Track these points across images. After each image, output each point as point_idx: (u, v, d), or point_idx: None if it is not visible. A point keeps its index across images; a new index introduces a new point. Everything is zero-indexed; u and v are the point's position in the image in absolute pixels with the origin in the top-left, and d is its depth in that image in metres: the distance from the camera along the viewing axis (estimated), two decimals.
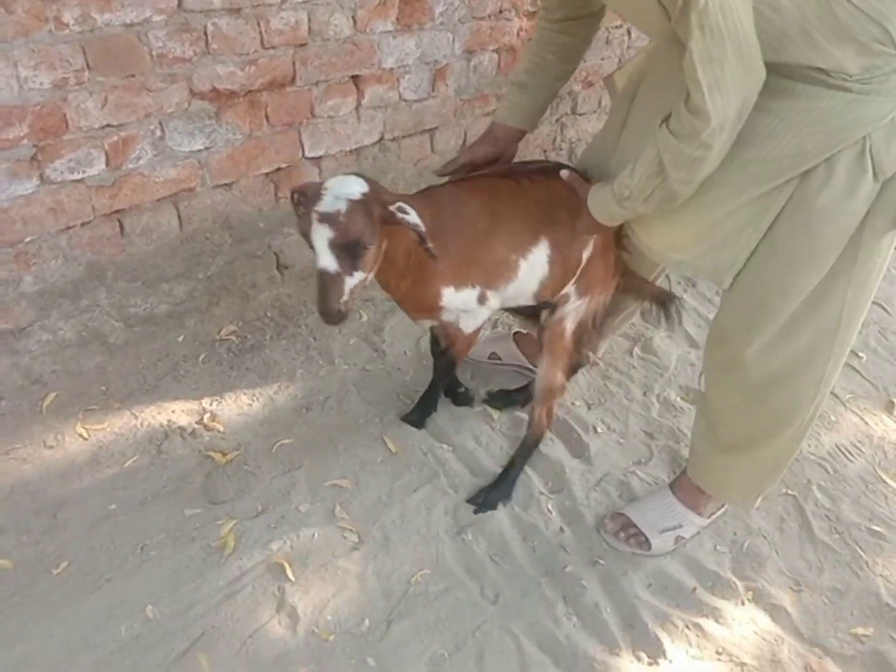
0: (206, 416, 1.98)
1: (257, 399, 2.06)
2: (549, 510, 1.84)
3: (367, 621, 1.57)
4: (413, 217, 1.40)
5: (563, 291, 1.74)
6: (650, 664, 1.56)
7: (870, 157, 1.21)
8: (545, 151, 2.97)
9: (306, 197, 1.39)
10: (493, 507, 1.81)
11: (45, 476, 1.79)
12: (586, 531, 1.80)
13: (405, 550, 1.71)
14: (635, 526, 1.76)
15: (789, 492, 1.95)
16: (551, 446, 2.00)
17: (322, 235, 1.35)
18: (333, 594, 1.61)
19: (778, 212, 1.32)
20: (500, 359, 2.24)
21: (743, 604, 1.69)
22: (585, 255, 1.70)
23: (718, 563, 1.76)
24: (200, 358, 2.15)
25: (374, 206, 1.39)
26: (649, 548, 1.74)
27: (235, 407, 2.03)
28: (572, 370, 1.93)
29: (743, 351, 1.49)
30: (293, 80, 2.09)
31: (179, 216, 2.05)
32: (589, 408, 2.14)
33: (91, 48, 1.72)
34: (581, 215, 1.58)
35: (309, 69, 2.10)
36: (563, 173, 1.62)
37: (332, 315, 1.40)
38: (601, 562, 1.73)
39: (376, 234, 1.40)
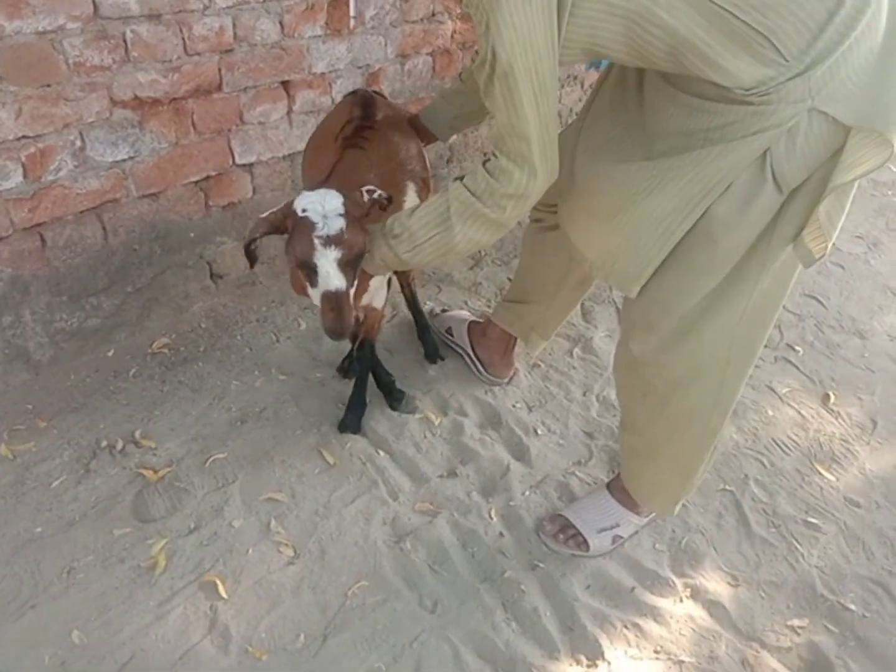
0: (138, 432, 1.93)
1: (190, 413, 2.01)
2: (489, 515, 1.83)
3: (302, 637, 1.54)
4: (378, 192, 1.46)
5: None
6: (589, 667, 1.55)
7: (770, 168, 1.22)
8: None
9: (275, 228, 1.42)
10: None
11: None
12: (526, 535, 1.79)
13: (342, 563, 1.68)
14: (574, 527, 1.76)
15: (727, 487, 1.97)
16: (492, 449, 1.99)
17: (330, 257, 1.37)
18: (268, 610, 1.58)
19: (688, 229, 1.32)
20: (452, 336, 2.30)
21: (681, 601, 1.70)
22: (427, 169, 1.85)
23: (657, 561, 1.77)
24: (131, 372, 2.10)
25: (355, 210, 1.43)
26: (588, 548, 1.74)
27: (167, 422, 1.98)
28: None
29: (641, 350, 1.51)
30: (220, 87, 2.05)
31: (104, 228, 2.00)
32: (530, 410, 2.14)
33: (1, 57, 1.66)
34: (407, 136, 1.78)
35: (236, 75, 2.06)
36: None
37: (347, 329, 1.42)
38: (540, 565, 1.73)
39: (367, 237, 1.46)
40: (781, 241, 1.30)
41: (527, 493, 1.89)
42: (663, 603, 1.69)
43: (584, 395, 2.21)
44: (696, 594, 1.71)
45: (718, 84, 1.18)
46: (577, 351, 2.36)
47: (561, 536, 1.75)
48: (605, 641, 1.59)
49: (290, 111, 2.25)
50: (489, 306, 2.50)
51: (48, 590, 1.58)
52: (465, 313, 2.40)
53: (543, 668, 1.54)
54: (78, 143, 1.85)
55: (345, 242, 1.38)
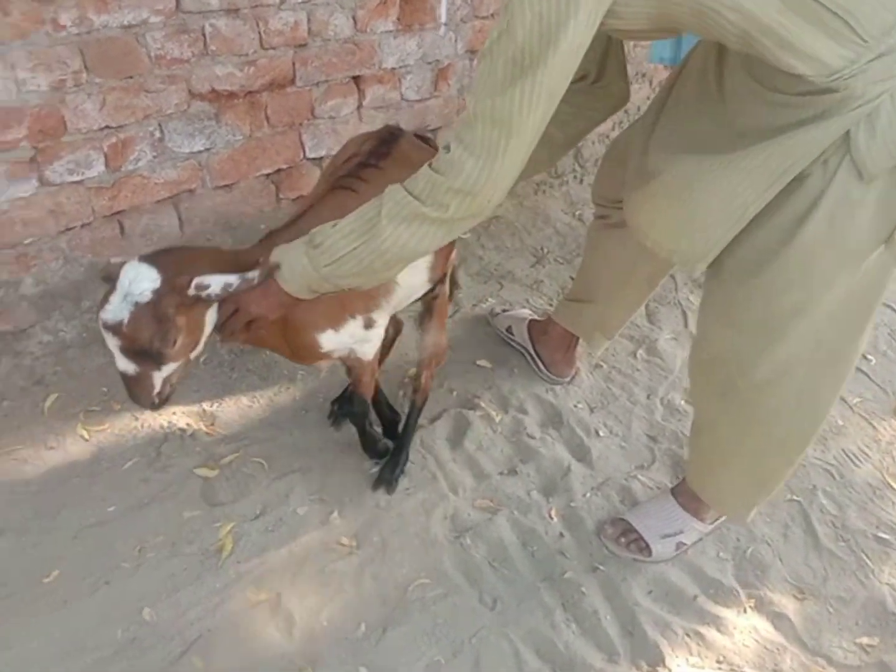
0: (207, 418, 1.98)
1: (258, 401, 2.05)
2: (549, 515, 1.82)
3: (363, 626, 1.56)
4: (215, 287, 1.23)
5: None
6: None
7: (850, 154, 1.17)
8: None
9: (105, 277, 1.25)
10: (400, 475, 1.85)
11: (45, 477, 1.79)
12: (586, 536, 1.78)
13: (403, 555, 1.70)
14: (636, 531, 1.74)
15: (794, 497, 1.92)
16: (553, 449, 1.98)
17: (111, 342, 1.23)
18: (330, 598, 1.60)
19: (758, 211, 1.27)
20: (512, 335, 2.28)
21: (745, 612, 1.67)
22: None
23: (721, 570, 1.74)
24: (202, 359, 2.14)
25: (168, 300, 1.21)
26: (650, 554, 1.72)
27: (236, 409, 2.02)
28: None
29: (721, 348, 1.46)
30: (293, 81, 2.08)
31: (180, 217, 2.05)
32: (591, 410, 2.12)
33: (89, 50, 1.72)
34: None
35: (309, 69, 2.09)
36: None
37: (147, 408, 1.32)
38: (601, 568, 1.71)
39: (173, 331, 1.23)
40: (871, 239, 1.26)
41: (588, 494, 1.88)
42: (727, 613, 1.66)
43: (648, 398, 2.18)
44: (761, 605, 1.68)
45: (801, 75, 1.14)
46: (640, 353, 2.33)
47: (622, 540, 1.73)
48: (666, 648, 1.57)
49: (360, 106, 2.27)
50: (551, 304, 2.48)
51: (120, 567, 1.63)
52: (525, 312, 2.39)
53: None
54: (157, 133, 1.90)
55: (123, 335, 1.20)
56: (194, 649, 1.49)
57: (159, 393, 1.30)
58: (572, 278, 2.56)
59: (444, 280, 1.73)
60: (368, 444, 1.87)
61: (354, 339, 1.55)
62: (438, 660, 1.52)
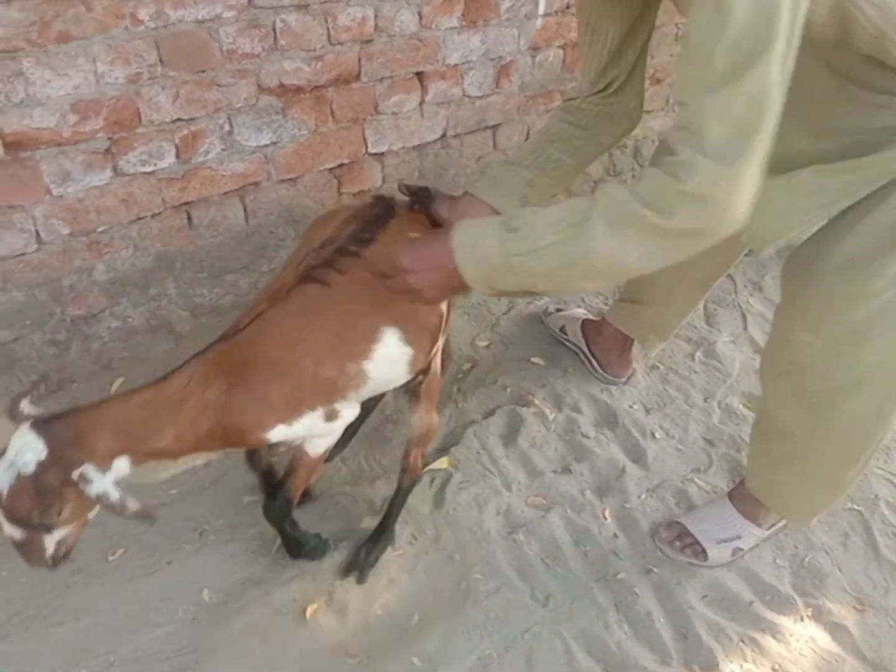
0: None
1: None
2: (603, 515, 1.82)
3: (416, 617, 1.58)
4: (97, 485, 1.14)
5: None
6: None
7: None
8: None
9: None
10: (376, 561, 1.64)
11: None
12: (640, 538, 1.77)
13: (455, 548, 1.71)
14: (692, 535, 1.72)
15: (855, 507, 1.88)
16: (607, 449, 1.97)
17: None
18: (384, 588, 1.62)
19: (853, 203, 1.24)
20: (566, 335, 2.27)
21: (802, 620, 1.64)
22: (444, 305, 1.48)
23: (777, 577, 1.71)
24: None
25: (53, 475, 1.13)
26: (706, 558, 1.70)
27: None
28: None
29: (802, 353, 1.43)
30: (358, 76, 2.10)
31: (245, 209, 2.09)
32: (647, 412, 2.10)
33: (164, 44, 1.76)
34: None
35: (374, 65, 2.11)
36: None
37: (43, 569, 1.22)
38: (655, 570, 1.70)
39: (57, 504, 1.14)
40: None
41: (643, 496, 1.87)
42: (783, 620, 1.63)
43: (706, 400, 2.15)
44: (819, 615, 1.65)
45: None
46: (698, 355, 2.30)
47: (678, 544, 1.72)
48: (720, 653, 1.56)
49: (422, 102, 2.28)
50: (606, 304, 2.46)
51: (182, 548, 1.68)
52: (579, 311, 2.38)
53: None
54: (226, 127, 1.95)
55: (3, 506, 1.13)
56: (251, 632, 1.53)
57: (53, 555, 1.21)
58: None
59: (427, 370, 1.55)
60: (294, 546, 1.62)
61: (311, 430, 1.38)
62: (490, 654, 1.53)
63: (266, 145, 2.03)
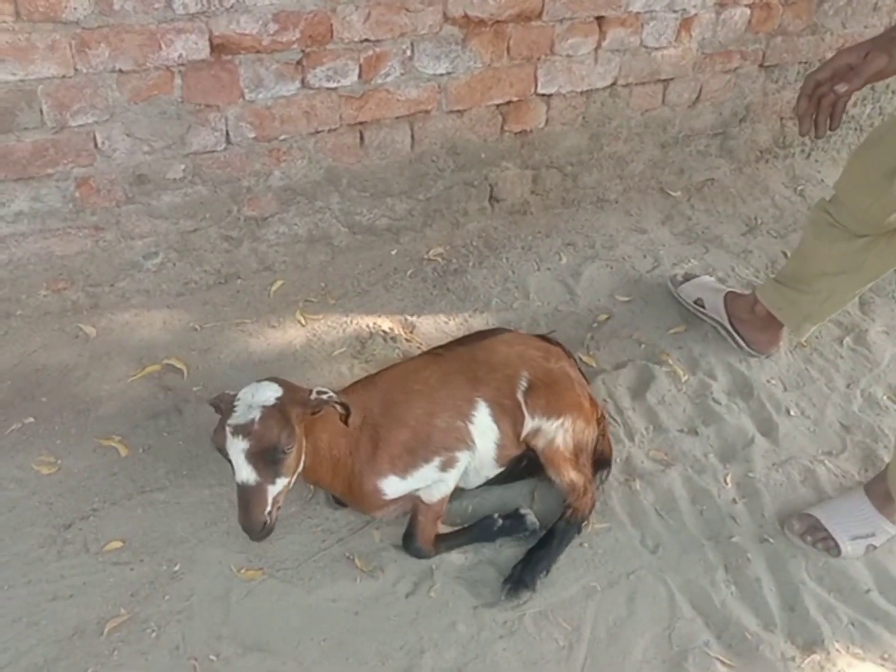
0: (407, 325, 2.13)
1: (454, 318, 2.17)
2: (724, 480, 1.81)
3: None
4: (331, 394, 1.41)
5: (525, 432, 1.65)
6: (805, 650, 1.52)
7: None
8: (781, 119, 2.79)
9: (221, 410, 1.39)
10: (527, 585, 1.56)
11: (266, 350, 2.02)
12: (760, 508, 1.75)
13: None
14: (825, 529, 1.66)
15: None
16: (737, 417, 1.95)
17: (238, 448, 1.32)
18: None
19: None
20: (703, 307, 2.18)
21: None
22: (519, 394, 1.64)
23: None
24: (409, 272, 2.29)
25: (291, 407, 1.37)
26: (838, 553, 1.64)
27: (433, 322, 2.15)
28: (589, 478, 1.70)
29: None
30: (540, 15, 2.12)
31: (413, 136, 2.17)
32: (785, 389, 2.05)
33: None
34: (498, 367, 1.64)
35: (557, 5, 2.11)
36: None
37: (257, 529, 1.35)
38: (770, 541, 1.69)
39: (295, 436, 1.36)
40: None
41: (769, 469, 1.84)
42: None
43: (848, 387, 2.07)
44: None
45: None
46: (847, 340, 2.21)
47: (809, 538, 1.67)
48: (826, 631, 1.54)
49: (598, 47, 2.27)
50: (757, 277, 2.40)
51: None
52: (711, 281, 2.27)
53: (756, 636, 1.52)
54: (408, 52, 2.02)
55: (253, 433, 1.31)
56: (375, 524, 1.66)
57: (269, 513, 1.36)
58: (784, 254, 2.47)
59: (535, 444, 1.66)
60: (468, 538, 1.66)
61: (425, 482, 1.57)
62: (595, 585, 1.58)
63: (441, 74, 2.09)
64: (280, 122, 1.98)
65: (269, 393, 1.37)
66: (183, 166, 1.94)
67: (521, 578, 1.56)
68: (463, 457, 1.59)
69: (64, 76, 1.70)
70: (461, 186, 2.35)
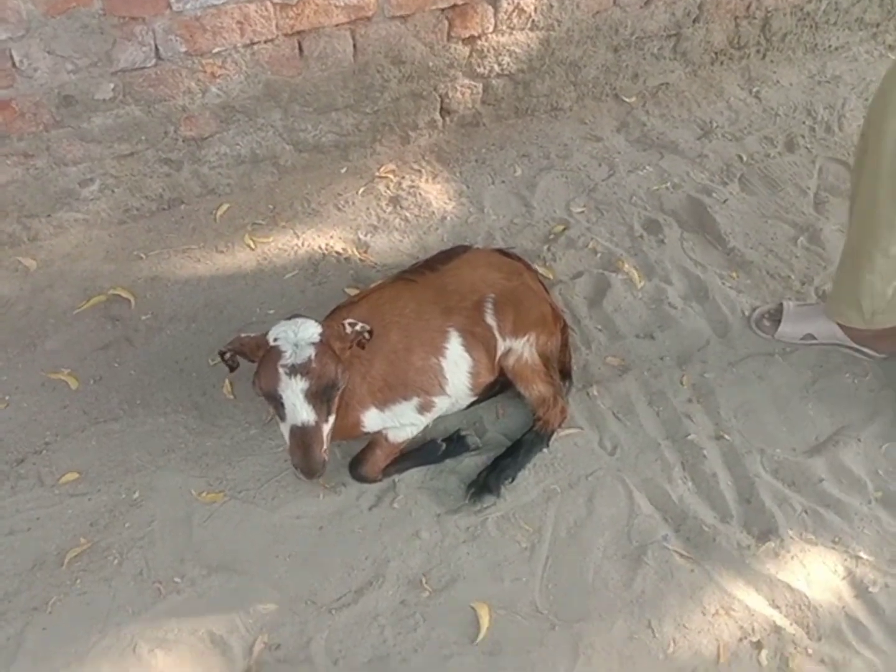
0: (361, 245, 2.08)
1: (408, 237, 2.13)
2: (680, 381, 1.83)
3: (484, 456, 1.67)
4: (360, 324, 1.41)
5: (499, 354, 1.66)
6: (760, 539, 1.57)
7: None
8: (736, 18, 2.71)
9: (246, 354, 1.35)
10: (491, 490, 1.58)
11: (215, 276, 1.97)
12: (715, 407, 1.78)
13: None
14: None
15: None
16: (693, 321, 1.96)
17: (297, 389, 1.29)
18: (459, 421, 1.71)
19: None
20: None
21: (870, 503, 1.64)
22: (488, 317, 1.65)
23: (855, 462, 1.70)
24: (360, 191, 2.23)
25: (335, 342, 1.36)
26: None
27: (388, 241, 2.11)
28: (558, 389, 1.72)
29: None
30: None
31: (355, 45, 2.08)
32: (739, 291, 2.06)
33: None
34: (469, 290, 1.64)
35: None
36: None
37: (319, 469, 1.34)
38: (726, 437, 1.72)
39: (343, 369, 1.36)
40: None
41: (724, 368, 1.86)
42: (850, 500, 1.64)
43: (803, 285, 2.08)
44: (888, 500, 1.64)
45: None
46: (801, 240, 2.19)
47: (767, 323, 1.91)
48: (781, 520, 1.59)
49: None
50: (712, 181, 2.36)
51: None
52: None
53: (714, 528, 1.57)
54: None
55: (312, 371, 1.29)
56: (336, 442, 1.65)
57: (326, 450, 1.35)
58: (739, 157, 2.43)
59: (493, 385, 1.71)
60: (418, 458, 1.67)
61: (400, 420, 1.57)
62: (555, 488, 1.61)
63: None
64: (212, 33, 1.87)
65: (312, 330, 1.35)
66: (112, 85, 1.84)
67: (485, 483, 1.59)
68: (440, 402, 1.60)
69: None
70: (409, 98, 2.27)
